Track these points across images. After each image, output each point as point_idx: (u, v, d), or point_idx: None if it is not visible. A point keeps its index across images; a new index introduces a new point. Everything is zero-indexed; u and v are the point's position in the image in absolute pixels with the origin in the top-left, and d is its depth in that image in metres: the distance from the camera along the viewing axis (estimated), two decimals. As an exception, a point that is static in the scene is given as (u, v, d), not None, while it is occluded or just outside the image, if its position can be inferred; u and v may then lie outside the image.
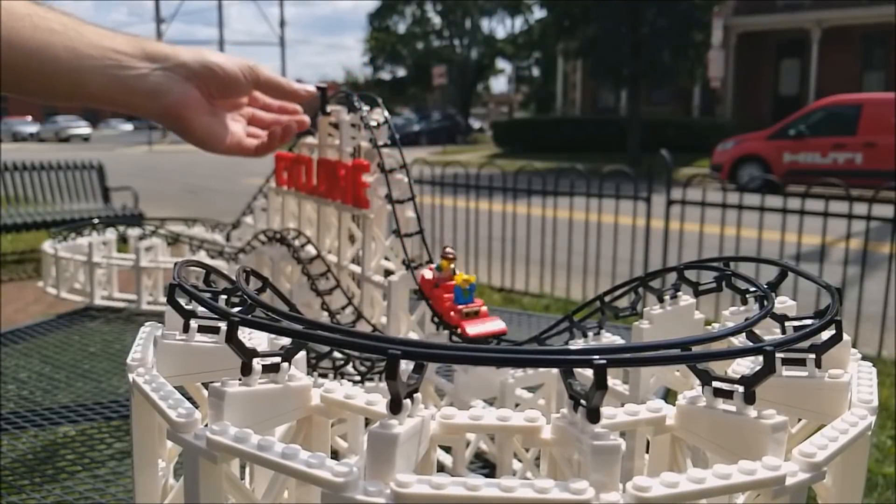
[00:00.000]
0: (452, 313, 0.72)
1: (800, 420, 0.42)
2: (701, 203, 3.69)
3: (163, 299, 1.35)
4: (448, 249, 0.74)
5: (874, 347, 3.18)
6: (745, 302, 0.51)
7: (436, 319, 0.77)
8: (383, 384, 0.56)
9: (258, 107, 0.79)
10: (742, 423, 0.35)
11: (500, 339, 0.88)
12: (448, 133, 20.75)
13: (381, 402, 0.39)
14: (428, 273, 0.77)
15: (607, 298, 0.64)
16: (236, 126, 0.74)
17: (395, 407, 0.32)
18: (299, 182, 1.08)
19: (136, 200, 5.83)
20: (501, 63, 28.32)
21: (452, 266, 0.75)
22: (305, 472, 0.30)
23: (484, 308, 0.73)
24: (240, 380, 0.36)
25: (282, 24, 31.18)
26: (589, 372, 0.32)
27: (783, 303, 0.50)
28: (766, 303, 0.46)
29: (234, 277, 0.45)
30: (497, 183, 4.61)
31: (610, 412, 0.39)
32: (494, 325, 0.72)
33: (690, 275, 0.58)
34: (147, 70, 0.64)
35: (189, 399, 0.37)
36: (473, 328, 0.71)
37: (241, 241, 1.40)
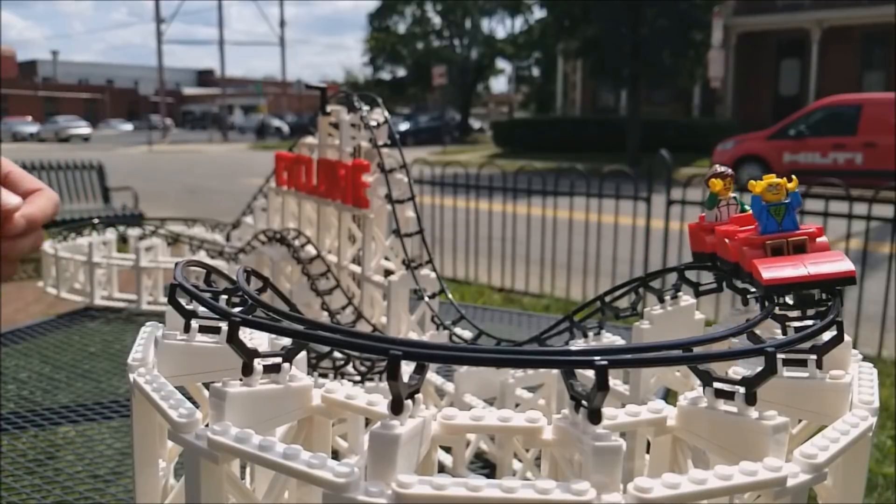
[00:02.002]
0: (745, 248, 0.45)
1: (801, 421, 0.42)
2: (701, 203, 3.68)
3: (163, 299, 1.35)
4: (720, 169, 0.50)
5: (874, 347, 3.18)
6: (745, 302, 0.51)
7: (436, 322, 0.76)
8: (384, 384, 0.56)
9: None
10: (743, 423, 0.35)
11: (499, 339, 0.89)
12: (438, 134, 20.24)
13: (382, 403, 0.39)
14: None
15: (608, 299, 0.65)
16: None
17: (397, 408, 0.32)
18: (299, 182, 1.08)
19: (136, 200, 5.82)
20: (501, 63, 28.31)
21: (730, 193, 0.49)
22: (307, 473, 0.30)
23: (819, 238, 0.45)
24: (241, 380, 0.36)
25: (282, 24, 31.18)
26: (590, 372, 0.32)
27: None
28: (766, 303, 0.46)
29: (234, 277, 0.45)
30: (497, 183, 4.61)
31: (611, 413, 0.39)
32: (828, 265, 0.42)
33: (691, 275, 0.58)
34: None
35: (190, 399, 0.37)
36: (771, 272, 0.42)
37: (241, 241, 1.40)
